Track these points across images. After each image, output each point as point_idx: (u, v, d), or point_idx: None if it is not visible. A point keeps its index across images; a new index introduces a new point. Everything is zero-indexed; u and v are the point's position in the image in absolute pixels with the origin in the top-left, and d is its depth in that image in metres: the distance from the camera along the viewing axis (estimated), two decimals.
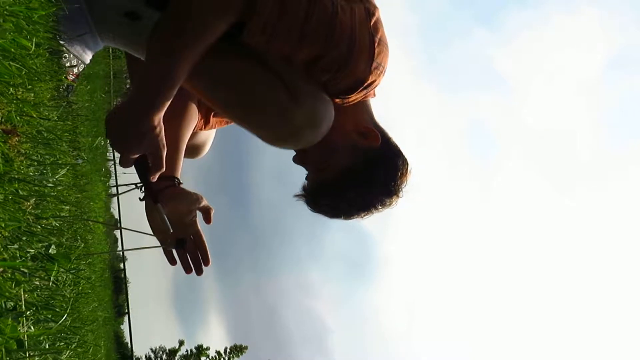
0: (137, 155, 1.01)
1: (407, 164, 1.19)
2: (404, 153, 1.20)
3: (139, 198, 1.13)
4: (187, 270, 1.16)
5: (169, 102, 0.98)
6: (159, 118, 0.98)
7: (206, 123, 1.33)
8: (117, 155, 1.02)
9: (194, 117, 1.26)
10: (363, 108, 1.18)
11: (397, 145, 1.20)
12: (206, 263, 1.16)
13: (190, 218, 1.16)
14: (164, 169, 1.03)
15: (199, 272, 1.15)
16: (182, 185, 1.18)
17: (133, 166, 1.03)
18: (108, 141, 1.00)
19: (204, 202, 1.17)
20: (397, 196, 1.18)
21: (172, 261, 1.16)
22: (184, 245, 1.12)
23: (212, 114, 1.32)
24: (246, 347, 34.73)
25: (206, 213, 1.18)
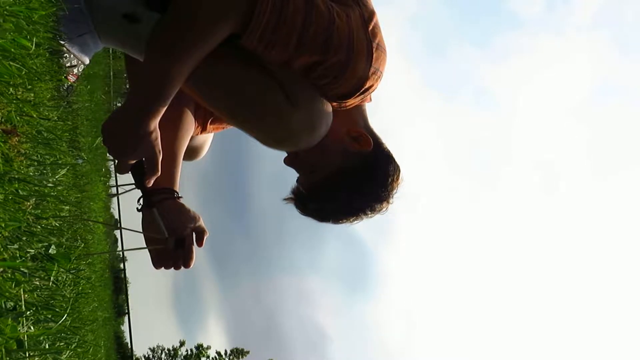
0: (134, 162, 1.00)
1: (399, 170, 1.18)
2: (395, 159, 1.19)
3: (137, 209, 1.11)
4: (167, 265, 1.10)
5: (166, 106, 0.97)
6: (156, 122, 0.97)
7: (203, 130, 1.31)
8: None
9: (190, 126, 1.23)
10: (357, 112, 1.18)
11: (389, 151, 1.19)
12: (187, 266, 1.11)
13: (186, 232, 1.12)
14: (159, 173, 1.02)
15: (177, 267, 1.11)
16: (181, 200, 1.15)
17: (130, 172, 1.04)
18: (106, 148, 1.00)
19: (200, 223, 1.13)
20: (388, 202, 1.17)
21: (157, 264, 1.12)
22: (184, 244, 1.11)
23: (210, 120, 1.31)
24: (247, 352, 33.44)
25: (200, 234, 1.14)
